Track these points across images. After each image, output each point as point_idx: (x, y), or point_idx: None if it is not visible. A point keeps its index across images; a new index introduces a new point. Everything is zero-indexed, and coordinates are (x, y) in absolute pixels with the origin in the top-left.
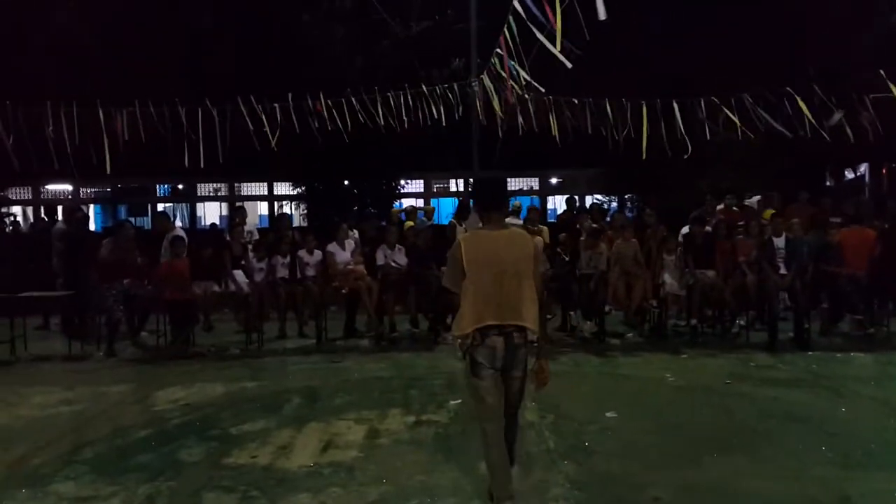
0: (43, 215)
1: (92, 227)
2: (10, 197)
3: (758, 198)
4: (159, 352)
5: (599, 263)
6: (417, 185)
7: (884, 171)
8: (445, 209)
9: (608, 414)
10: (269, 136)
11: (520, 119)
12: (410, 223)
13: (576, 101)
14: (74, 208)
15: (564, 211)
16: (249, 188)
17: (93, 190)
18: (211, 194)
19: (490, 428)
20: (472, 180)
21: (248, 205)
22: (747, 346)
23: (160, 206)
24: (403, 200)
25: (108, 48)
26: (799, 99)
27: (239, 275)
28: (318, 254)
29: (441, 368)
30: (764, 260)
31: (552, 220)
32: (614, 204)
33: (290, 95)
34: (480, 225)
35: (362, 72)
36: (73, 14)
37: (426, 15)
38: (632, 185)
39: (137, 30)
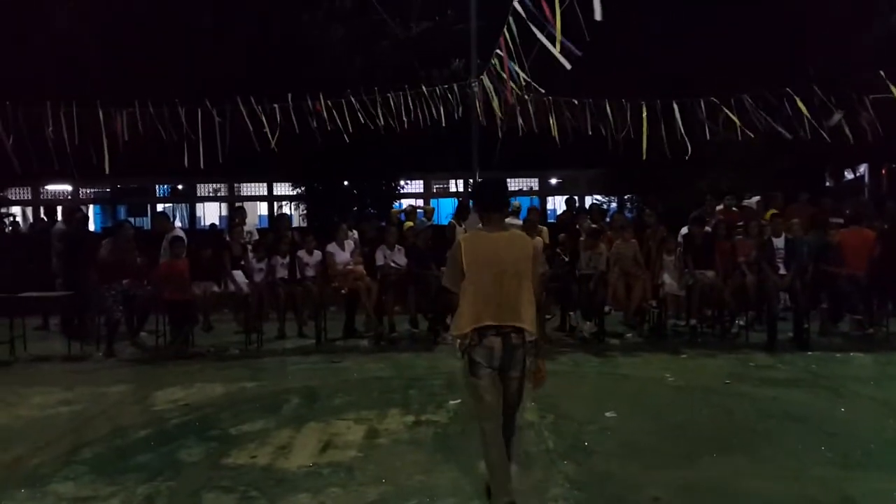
0: (42, 216)
1: (91, 227)
2: (10, 197)
3: (757, 198)
4: (159, 352)
5: (599, 264)
6: (417, 186)
7: (883, 171)
8: (445, 209)
9: (608, 414)
10: (269, 136)
11: (519, 120)
12: (410, 223)
13: (575, 102)
14: (74, 209)
15: (564, 211)
16: (249, 188)
17: (92, 190)
18: (210, 195)
19: (489, 427)
20: (473, 181)
21: (247, 205)
22: (747, 346)
23: (160, 207)
24: (403, 201)
25: (107, 48)
26: (798, 100)
27: (238, 275)
28: (317, 254)
29: (440, 368)
30: (763, 260)
31: (552, 221)
32: (614, 204)
33: (289, 96)
34: (480, 225)
35: (362, 72)
36: (73, 14)
37: (426, 15)
38: (631, 185)
39: (137, 30)
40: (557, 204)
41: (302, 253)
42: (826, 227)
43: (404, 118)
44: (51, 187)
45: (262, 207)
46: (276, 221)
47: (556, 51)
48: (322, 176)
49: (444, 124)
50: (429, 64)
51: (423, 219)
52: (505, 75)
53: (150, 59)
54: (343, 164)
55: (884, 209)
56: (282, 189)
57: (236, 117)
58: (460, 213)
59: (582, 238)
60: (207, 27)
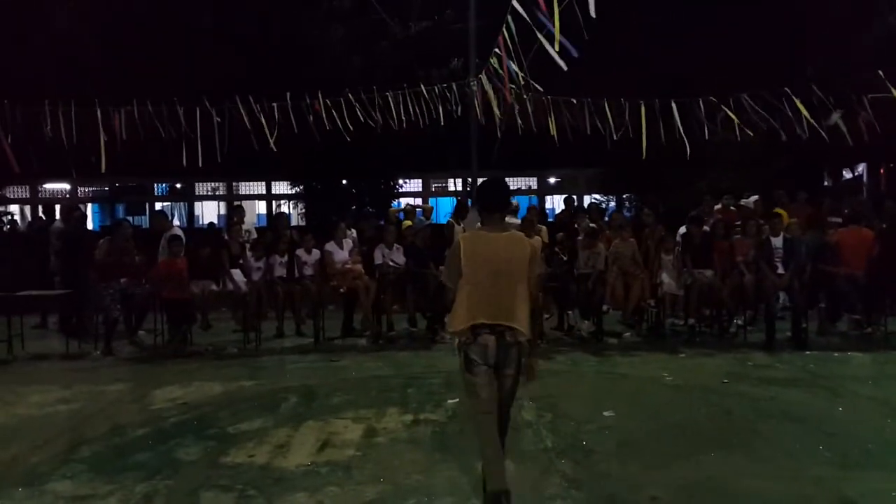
0: (41, 214)
1: (90, 226)
2: (8, 196)
3: (755, 198)
4: (157, 351)
5: (597, 263)
6: (416, 185)
7: (881, 171)
8: (444, 208)
9: (606, 413)
10: (268, 135)
11: (518, 119)
12: (409, 222)
13: (574, 101)
14: (72, 207)
15: (563, 210)
16: (248, 187)
17: (91, 189)
18: (209, 193)
19: (485, 420)
20: (474, 180)
21: (246, 204)
22: (745, 345)
23: (158, 205)
24: (402, 200)
25: (107, 48)
26: (797, 100)
27: (237, 274)
28: (316, 253)
29: (439, 367)
30: (762, 260)
31: (550, 220)
32: (612, 203)
33: (288, 95)
34: (479, 224)
35: (361, 71)
36: (73, 14)
37: (425, 15)
38: (630, 184)
39: (137, 30)
40: (556, 203)
41: (300, 252)
42: (824, 226)
43: (403, 117)
44: (49, 186)
45: (261, 206)
46: (275, 220)
47: (553, 52)
48: (321, 175)
49: (442, 123)
50: (428, 63)
51: (422, 218)
52: (504, 74)
53: (150, 59)
54: (342, 163)
55: (882, 209)
56: (280, 188)
57: (235, 116)
58: (459, 212)
59: (580, 237)
60: (207, 27)
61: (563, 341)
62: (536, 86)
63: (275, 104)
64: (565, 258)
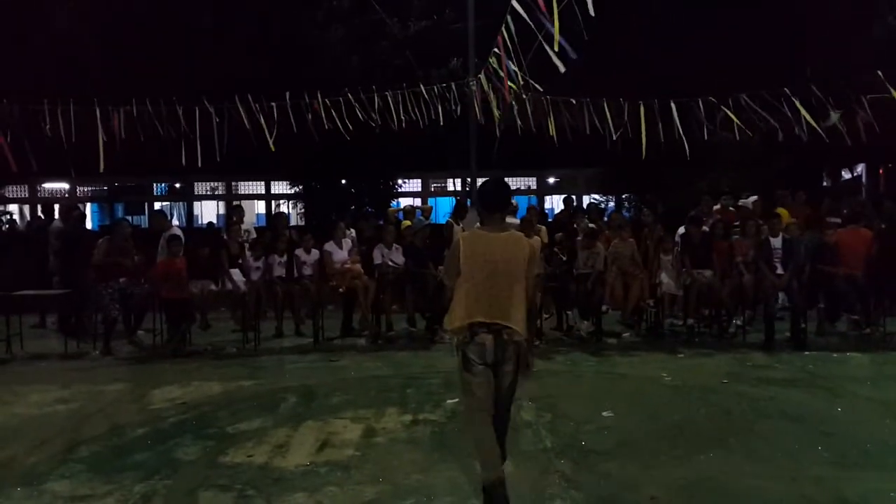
0: (40, 214)
1: (89, 225)
2: (7, 195)
3: (754, 198)
4: (156, 350)
5: (596, 263)
6: (415, 185)
7: (880, 171)
8: (443, 208)
9: (605, 413)
10: (268, 135)
11: (517, 119)
12: (408, 222)
13: (573, 101)
14: (71, 206)
15: (562, 210)
16: (247, 187)
17: (90, 188)
18: (208, 193)
19: (478, 414)
20: (474, 181)
21: (245, 203)
22: (744, 345)
23: (157, 205)
24: (401, 199)
25: (107, 48)
26: (797, 101)
27: (236, 273)
28: (315, 253)
29: (438, 367)
30: (761, 260)
31: (550, 220)
32: (611, 203)
33: (287, 95)
34: (478, 224)
35: (361, 71)
36: (73, 14)
37: (424, 15)
38: (629, 184)
39: (137, 30)
40: (555, 203)
41: (299, 251)
42: (823, 226)
43: (402, 117)
44: (48, 185)
45: (260, 206)
46: (274, 220)
47: (552, 52)
48: (320, 175)
49: (442, 123)
50: (427, 63)
51: (421, 217)
52: (503, 74)
53: (150, 59)
54: (341, 162)
55: (881, 209)
56: (280, 187)
57: (234, 116)
58: (458, 212)
59: (579, 237)
60: (207, 27)
61: (562, 341)
62: (536, 85)
63: (274, 104)
64: (564, 258)
